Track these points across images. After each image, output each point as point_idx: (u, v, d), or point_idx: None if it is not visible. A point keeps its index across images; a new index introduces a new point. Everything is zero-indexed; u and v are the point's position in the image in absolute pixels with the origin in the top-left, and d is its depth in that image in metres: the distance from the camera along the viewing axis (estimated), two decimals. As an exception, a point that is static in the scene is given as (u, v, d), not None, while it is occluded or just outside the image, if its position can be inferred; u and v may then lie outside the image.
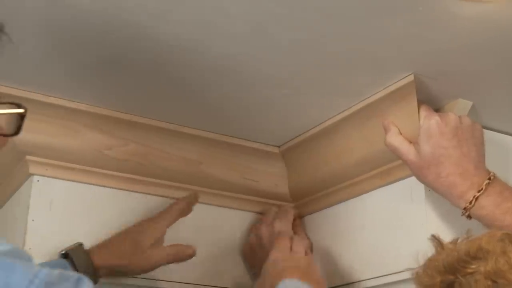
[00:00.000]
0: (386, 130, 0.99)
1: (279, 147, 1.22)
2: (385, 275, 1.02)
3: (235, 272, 1.18)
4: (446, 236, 0.94)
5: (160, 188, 1.14)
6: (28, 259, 0.60)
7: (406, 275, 0.94)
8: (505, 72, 0.94)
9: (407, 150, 0.96)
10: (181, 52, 0.92)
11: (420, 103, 0.97)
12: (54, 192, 1.07)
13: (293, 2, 0.80)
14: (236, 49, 0.91)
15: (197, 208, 1.15)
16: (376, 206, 1.07)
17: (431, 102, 1.00)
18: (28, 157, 1.07)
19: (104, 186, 1.11)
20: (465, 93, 0.99)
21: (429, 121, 0.94)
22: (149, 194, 1.14)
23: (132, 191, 1.13)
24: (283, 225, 1.13)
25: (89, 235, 1.07)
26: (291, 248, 1.02)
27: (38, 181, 1.07)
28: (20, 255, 0.59)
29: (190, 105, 1.09)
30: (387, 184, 1.05)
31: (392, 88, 0.99)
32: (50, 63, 0.97)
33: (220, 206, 1.18)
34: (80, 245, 1.02)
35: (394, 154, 0.98)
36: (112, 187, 1.11)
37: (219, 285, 1.16)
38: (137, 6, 0.83)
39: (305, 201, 1.21)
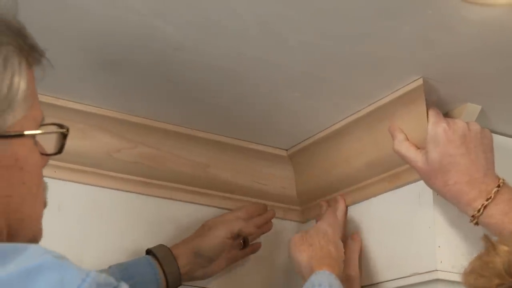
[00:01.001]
0: (393, 136, 0.99)
1: (287, 150, 1.22)
2: (392, 280, 1.02)
3: (243, 274, 1.18)
4: (454, 241, 0.97)
5: (168, 191, 1.15)
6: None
7: (413, 279, 0.98)
8: None
9: (414, 157, 0.96)
10: (190, 54, 0.92)
11: (428, 107, 0.97)
12: (62, 194, 1.08)
13: (302, 3, 0.80)
14: (245, 51, 0.91)
15: (205, 211, 1.17)
16: (384, 209, 1.07)
17: (440, 106, 1.00)
18: (36, 158, 1.08)
19: (113, 189, 1.12)
20: (474, 97, 0.99)
21: (437, 128, 0.94)
22: (157, 196, 1.15)
23: (140, 193, 1.14)
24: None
25: (97, 237, 1.08)
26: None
27: (46, 183, 1.07)
28: (70, 262, 0.63)
29: (198, 108, 1.09)
30: (395, 188, 1.05)
31: (401, 91, 0.99)
32: (59, 65, 0.94)
33: (228, 209, 1.19)
34: (162, 244, 1.07)
35: (403, 160, 0.98)
36: (121, 190, 1.12)
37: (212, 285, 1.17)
38: (145, 9, 0.83)
39: (313, 205, 1.21)
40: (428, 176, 0.95)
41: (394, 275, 1.01)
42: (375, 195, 1.09)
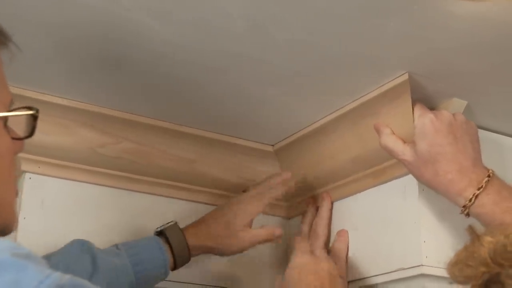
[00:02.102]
0: (378, 132, 0.99)
1: (273, 145, 1.22)
2: (377, 275, 1.02)
3: (230, 270, 1.19)
4: (440, 236, 0.98)
5: (153, 187, 1.15)
6: (44, 264, 0.62)
7: (399, 275, 0.98)
8: (500, 72, 0.94)
9: (402, 150, 0.96)
10: (177, 50, 0.92)
11: (414, 102, 0.97)
12: (46, 190, 1.08)
13: (289, 1, 0.80)
14: (232, 48, 0.91)
15: (192, 206, 1.17)
16: (369, 205, 1.07)
17: (426, 101, 0.99)
18: (20, 154, 1.05)
19: (97, 184, 1.11)
20: (460, 93, 0.99)
21: (424, 119, 0.94)
22: (142, 192, 1.14)
23: (125, 189, 1.13)
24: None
25: (81, 233, 1.06)
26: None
27: (30, 178, 1.07)
28: (36, 260, 0.61)
29: (184, 103, 1.09)
30: (380, 184, 1.06)
31: (387, 87, 0.99)
32: (43, 61, 0.97)
33: (214, 204, 1.18)
34: (175, 223, 1.05)
35: (390, 155, 0.98)
36: (105, 185, 1.12)
37: (212, 284, 1.17)
38: (134, 5, 0.83)
39: (299, 200, 1.21)
40: (417, 168, 0.94)
41: (379, 271, 1.02)
42: (360, 190, 1.09)
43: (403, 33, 0.86)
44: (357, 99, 1.04)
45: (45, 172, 1.08)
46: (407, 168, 0.97)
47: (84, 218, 1.10)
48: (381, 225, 1.04)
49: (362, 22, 0.84)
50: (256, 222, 1.15)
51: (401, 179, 1.02)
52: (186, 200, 1.18)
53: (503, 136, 1.10)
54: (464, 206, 0.91)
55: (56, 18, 0.86)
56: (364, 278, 1.04)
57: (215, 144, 1.18)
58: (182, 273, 1.10)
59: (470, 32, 0.85)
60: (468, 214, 0.91)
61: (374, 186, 1.07)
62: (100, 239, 1.07)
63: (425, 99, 1.00)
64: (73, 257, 0.95)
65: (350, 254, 1.08)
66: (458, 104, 1.00)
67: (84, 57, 0.96)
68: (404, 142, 0.97)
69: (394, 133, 0.98)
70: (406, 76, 0.96)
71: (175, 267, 1.04)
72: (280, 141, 1.21)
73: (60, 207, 1.09)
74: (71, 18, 0.86)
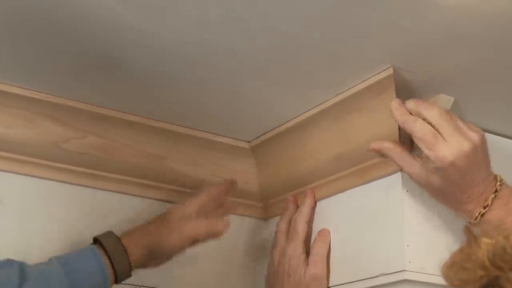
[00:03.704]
0: (381, 152, 0.97)
1: (249, 142, 1.22)
2: (358, 281, 1.02)
3: (199, 272, 1.18)
4: (424, 240, 0.98)
5: (121, 185, 1.15)
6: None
7: (380, 280, 0.98)
8: (490, 66, 0.94)
9: (411, 172, 0.93)
10: (145, 38, 0.91)
11: (399, 97, 0.96)
12: (6, 186, 1.07)
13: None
14: (205, 36, 0.90)
15: (161, 206, 1.16)
16: (350, 206, 1.07)
17: (411, 97, 0.98)
18: (-22, 148, 1.06)
19: (60, 182, 1.11)
20: (447, 88, 0.99)
21: (463, 143, 0.88)
22: (108, 190, 1.14)
23: (90, 187, 1.13)
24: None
25: (42, 232, 1.07)
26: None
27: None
28: None
29: (154, 96, 1.08)
30: (363, 184, 1.05)
31: (370, 81, 0.99)
32: (1, 48, 0.96)
33: (185, 204, 1.18)
34: (111, 231, 1.04)
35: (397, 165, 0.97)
36: (69, 182, 1.11)
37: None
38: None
39: (276, 201, 1.21)
40: (424, 188, 0.94)
41: (360, 276, 1.01)
42: (341, 190, 1.09)
43: (386, 23, 0.85)
44: (339, 94, 1.04)
45: (5, 168, 1.07)
46: (413, 179, 0.95)
47: (47, 217, 1.10)
48: (363, 227, 1.04)
49: (342, 11, 0.83)
50: (234, 224, 1.15)
51: (385, 179, 1.01)
52: (156, 199, 1.18)
53: (492, 135, 1.10)
54: (469, 223, 0.91)
55: (11, 2, 0.85)
56: (345, 283, 1.04)
57: (187, 140, 1.18)
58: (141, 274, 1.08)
59: (458, 23, 0.84)
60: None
61: (357, 186, 1.06)
62: (64, 241, 1.08)
63: (410, 95, 1.00)
64: None
65: (331, 257, 1.07)
66: (445, 100, 1.00)
67: (48, 44, 0.94)
68: (412, 155, 0.94)
69: (398, 145, 0.96)
70: (390, 71, 0.95)
71: (115, 275, 1.01)
72: (257, 138, 1.21)
73: (20, 205, 1.09)
74: (23, 2, 0.85)
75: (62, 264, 0.97)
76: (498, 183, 0.92)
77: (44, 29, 0.91)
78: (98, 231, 1.04)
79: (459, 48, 0.90)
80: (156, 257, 1.06)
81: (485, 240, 0.64)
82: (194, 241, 1.07)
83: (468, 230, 0.69)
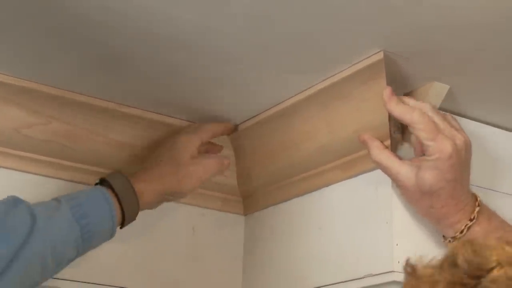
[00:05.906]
0: (366, 144, 0.97)
1: (227, 131, 1.23)
2: (343, 282, 1.02)
3: (177, 272, 1.18)
4: (414, 239, 0.98)
5: (88, 175, 1.13)
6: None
7: (367, 281, 0.98)
8: (487, 53, 0.93)
9: (397, 169, 0.93)
10: (116, 16, 0.89)
11: (390, 84, 0.96)
12: None
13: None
14: (182, 16, 0.89)
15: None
16: (336, 202, 1.07)
17: (403, 85, 1.00)
18: None
19: (22, 171, 1.10)
20: (441, 76, 0.99)
21: (447, 144, 0.90)
22: (74, 181, 1.12)
23: (54, 177, 1.11)
24: None
25: None
26: None
27: None
28: None
29: (125, 80, 1.07)
30: (350, 177, 1.05)
31: (359, 66, 0.98)
32: None
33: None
34: (119, 171, 1.06)
35: (383, 172, 0.96)
36: (31, 172, 1.10)
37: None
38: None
39: (256, 195, 1.21)
40: (411, 194, 0.94)
41: (346, 277, 1.01)
42: (326, 184, 1.08)
43: (377, 4, 0.84)
44: (325, 79, 1.04)
45: (-40, 156, 1.07)
46: (399, 190, 0.96)
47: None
48: (349, 224, 1.04)
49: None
50: (210, 219, 1.18)
51: (373, 172, 1.01)
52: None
53: (487, 126, 1.11)
54: (453, 237, 0.93)
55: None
56: (330, 285, 1.04)
57: (161, 127, 1.16)
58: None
59: (453, 7, 0.83)
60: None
61: (343, 180, 1.06)
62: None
63: (402, 82, 1.00)
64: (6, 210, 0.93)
65: (315, 257, 1.07)
66: (440, 88, 1.00)
67: (6, 20, 0.92)
68: (400, 158, 0.95)
69: (386, 147, 0.97)
70: (381, 55, 0.95)
71: (123, 221, 1.02)
72: (235, 126, 1.20)
73: (-22, 197, 1.08)
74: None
75: (72, 205, 0.97)
76: (479, 198, 0.94)
77: (10, 11, 0.89)
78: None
79: (455, 33, 0.89)
80: (166, 200, 1.10)
81: (425, 271, 0.62)
82: (205, 181, 1.12)
83: (407, 264, 0.66)
